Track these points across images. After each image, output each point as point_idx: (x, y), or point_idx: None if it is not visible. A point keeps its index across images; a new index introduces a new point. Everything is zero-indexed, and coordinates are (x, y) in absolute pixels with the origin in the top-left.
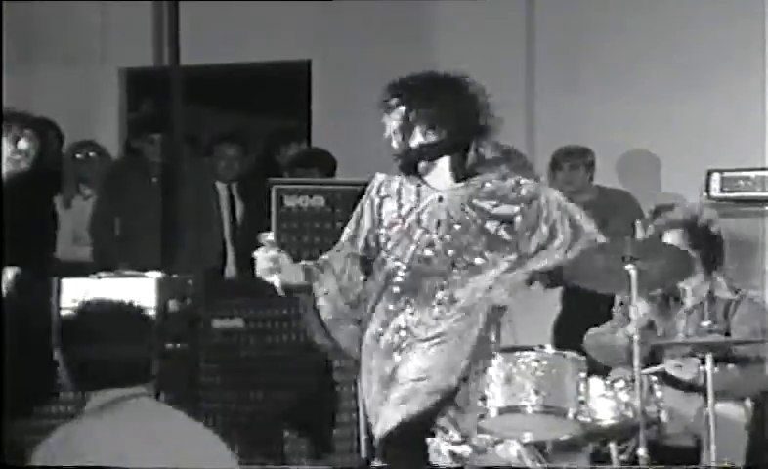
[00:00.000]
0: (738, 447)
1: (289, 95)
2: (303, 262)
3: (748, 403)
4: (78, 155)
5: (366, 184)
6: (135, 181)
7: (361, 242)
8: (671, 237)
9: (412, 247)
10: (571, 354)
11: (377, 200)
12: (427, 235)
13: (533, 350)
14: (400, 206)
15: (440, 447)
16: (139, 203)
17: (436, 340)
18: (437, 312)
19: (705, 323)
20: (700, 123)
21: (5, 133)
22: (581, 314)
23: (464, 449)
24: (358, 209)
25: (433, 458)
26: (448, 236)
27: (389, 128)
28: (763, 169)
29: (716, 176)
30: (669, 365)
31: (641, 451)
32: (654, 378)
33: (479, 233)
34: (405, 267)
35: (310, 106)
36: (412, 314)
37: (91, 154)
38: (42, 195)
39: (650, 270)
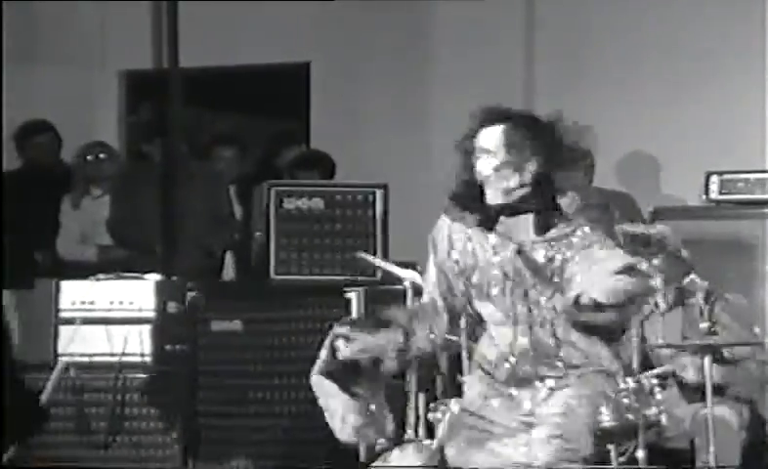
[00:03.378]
0: (732, 449)
1: (289, 97)
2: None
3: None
4: (89, 157)
5: (365, 186)
6: (143, 184)
7: (441, 291)
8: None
9: (495, 291)
10: None
11: (449, 250)
12: (508, 283)
13: None
14: (475, 257)
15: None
16: (147, 206)
17: None
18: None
19: (704, 325)
20: (699, 125)
21: None
22: None
23: None
24: (432, 259)
25: None
26: (520, 289)
27: (485, 164)
28: (762, 171)
29: (715, 178)
30: (678, 366)
31: (640, 453)
32: (654, 381)
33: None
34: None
35: (309, 109)
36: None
37: (101, 156)
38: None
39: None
